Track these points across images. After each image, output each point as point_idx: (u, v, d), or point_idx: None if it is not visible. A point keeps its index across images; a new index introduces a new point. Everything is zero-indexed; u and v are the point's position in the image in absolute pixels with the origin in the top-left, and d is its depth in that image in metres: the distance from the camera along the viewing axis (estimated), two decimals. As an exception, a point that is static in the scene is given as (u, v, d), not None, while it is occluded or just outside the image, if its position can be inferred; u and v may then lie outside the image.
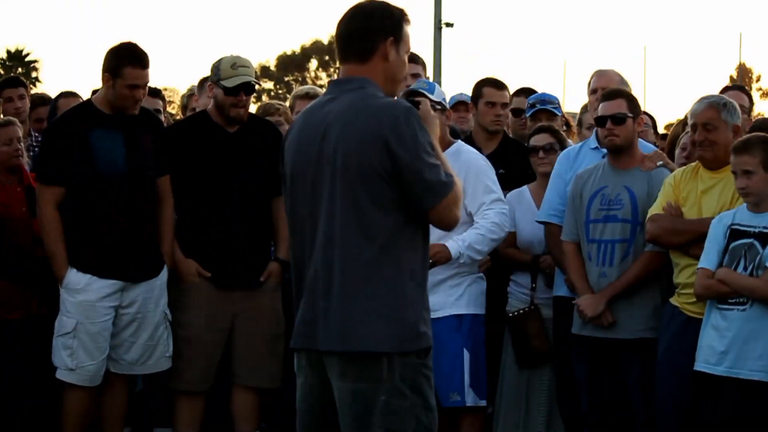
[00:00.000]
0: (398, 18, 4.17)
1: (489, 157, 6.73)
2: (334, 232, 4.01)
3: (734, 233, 5.45)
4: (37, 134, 8.24)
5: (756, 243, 5.38)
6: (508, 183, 6.65)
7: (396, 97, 4.31)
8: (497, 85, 7.28)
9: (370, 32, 4.13)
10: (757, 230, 5.40)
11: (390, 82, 4.20)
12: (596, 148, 6.59)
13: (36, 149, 8.00)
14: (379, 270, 3.99)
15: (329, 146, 4.04)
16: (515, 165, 7.03)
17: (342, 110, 4.05)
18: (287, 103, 7.98)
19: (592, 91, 6.85)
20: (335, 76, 4.30)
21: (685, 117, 6.35)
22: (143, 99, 6.40)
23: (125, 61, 6.25)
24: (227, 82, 6.50)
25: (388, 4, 4.18)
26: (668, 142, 7.34)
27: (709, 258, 5.47)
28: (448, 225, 4.13)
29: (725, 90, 7.66)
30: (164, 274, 6.48)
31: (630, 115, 6.09)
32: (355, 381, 4.00)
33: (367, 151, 3.97)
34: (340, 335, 4.00)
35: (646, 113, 7.67)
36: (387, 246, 3.99)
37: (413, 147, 3.97)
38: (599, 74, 6.94)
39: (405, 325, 4.01)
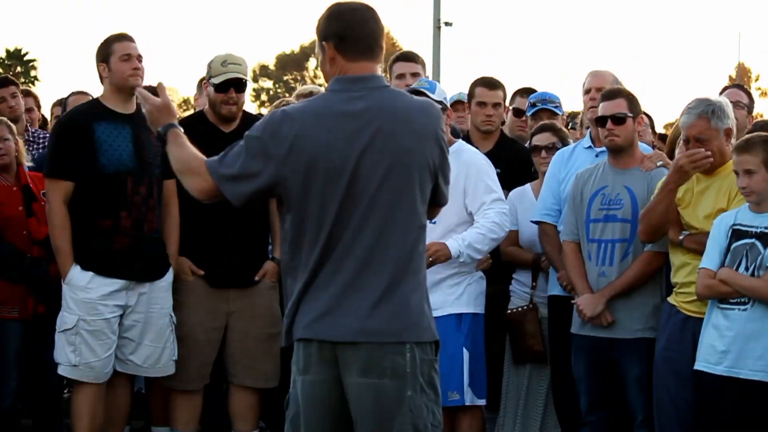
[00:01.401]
0: None
1: (485, 156, 6.74)
2: (385, 227, 4.04)
3: (736, 233, 5.44)
4: (33, 130, 8.27)
5: (757, 243, 5.37)
6: (504, 182, 6.65)
7: None
8: (489, 84, 7.28)
9: (383, 34, 4.25)
10: (758, 230, 5.39)
11: None
12: (590, 147, 6.60)
13: (34, 145, 8.02)
14: (415, 263, 4.09)
15: (381, 144, 4.04)
16: (512, 164, 7.03)
17: (386, 107, 4.09)
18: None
19: (586, 91, 6.84)
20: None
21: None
22: (142, 71, 6.42)
23: (112, 41, 6.40)
24: (216, 79, 6.53)
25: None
26: (669, 143, 7.34)
27: (710, 258, 5.47)
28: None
29: (724, 90, 7.66)
30: (170, 276, 6.48)
31: (630, 114, 6.09)
32: (379, 377, 4.01)
33: (424, 147, 4.08)
34: (370, 327, 4.01)
35: (644, 113, 7.66)
36: (420, 239, 4.12)
37: (447, 142, 4.22)
38: (593, 75, 6.93)
39: (425, 316, 4.12)
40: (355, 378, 4.03)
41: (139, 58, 6.41)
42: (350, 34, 4.14)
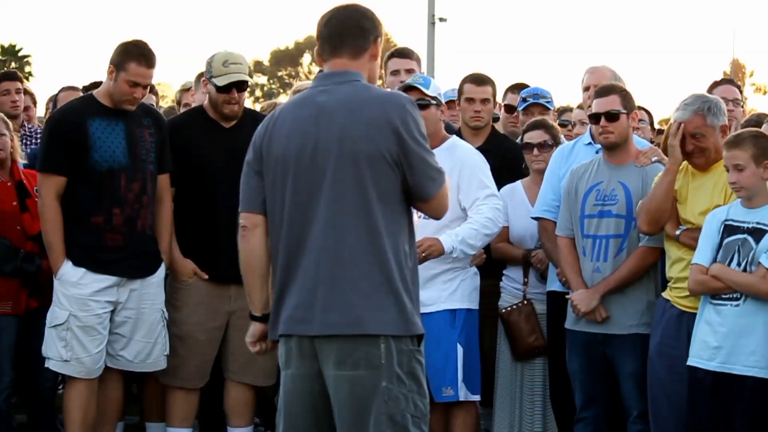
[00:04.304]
0: (380, 21, 4.33)
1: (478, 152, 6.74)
2: (337, 219, 4.08)
3: (728, 229, 5.44)
4: (30, 126, 8.26)
5: (749, 238, 5.38)
6: (495, 178, 6.63)
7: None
8: (477, 81, 7.26)
9: (366, 31, 4.26)
10: (750, 226, 5.40)
11: (372, 79, 4.32)
12: (590, 143, 6.60)
13: (30, 141, 8.02)
14: (381, 256, 4.07)
15: (331, 134, 4.10)
16: (503, 160, 7.02)
17: (343, 99, 4.14)
18: (287, 97, 7.98)
19: (585, 89, 6.83)
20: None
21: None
22: (141, 99, 6.40)
23: (132, 56, 6.28)
24: (218, 80, 6.51)
25: (370, 8, 4.32)
26: (665, 138, 7.34)
27: (702, 253, 5.47)
28: (441, 213, 4.28)
29: (715, 85, 7.66)
30: (161, 272, 6.47)
31: (624, 111, 6.08)
32: (353, 368, 4.04)
33: (376, 137, 4.06)
34: (338, 320, 4.05)
35: (642, 108, 7.66)
36: (388, 233, 4.08)
37: (418, 136, 4.13)
38: (591, 71, 6.92)
39: (402, 310, 4.08)
40: (332, 370, 4.08)
41: (146, 86, 6.35)
42: (321, 34, 4.29)
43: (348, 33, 4.24)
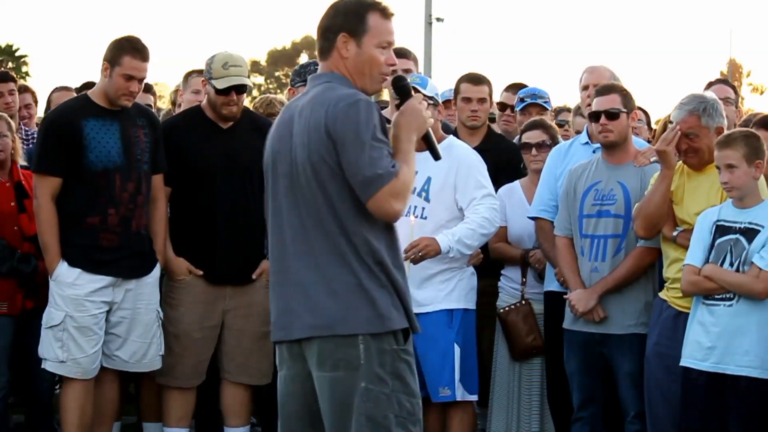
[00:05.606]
0: (356, 11, 4.18)
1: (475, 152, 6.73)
2: (299, 224, 4.09)
3: (720, 229, 5.45)
4: (27, 129, 8.24)
5: (741, 238, 5.38)
6: (491, 178, 6.64)
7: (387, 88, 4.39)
8: (474, 80, 7.27)
9: (326, 31, 4.22)
10: (742, 226, 5.40)
11: (358, 76, 4.21)
12: (587, 143, 6.60)
13: (26, 144, 8.01)
14: (344, 258, 4.05)
15: (294, 139, 4.12)
16: (499, 160, 7.01)
17: (304, 104, 4.15)
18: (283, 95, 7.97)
19: (584, 88, 6.83)
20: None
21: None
22: (138, 93, 6.40)
23: (126, 50, 6.30)
24: (218, 83, 6.49)
25: (349, 0, 4.21)
26: (656, 137, 7.35)
27: (695, 254, 5.47)
28: (386, 217, 4.07)
29: (710, 86, 7.66)
30: (156, 272, 6.48)
31: (624, 110, 6.08)
32: (333, 370, 4.04)
33: (316, 143, 4.04)
34: (313, 322, 4.06)
35: (640, 108, 7.66)
36: (349, 233, 4.05)
37: (352, 138, 3.99)
38: (590, 71, 6.91)
39: (375, 307, 4.04)
40: (315, 371, 4.10)
41: (142, 80, 6.37)
42: None
43: (318, 36, 4.27)
